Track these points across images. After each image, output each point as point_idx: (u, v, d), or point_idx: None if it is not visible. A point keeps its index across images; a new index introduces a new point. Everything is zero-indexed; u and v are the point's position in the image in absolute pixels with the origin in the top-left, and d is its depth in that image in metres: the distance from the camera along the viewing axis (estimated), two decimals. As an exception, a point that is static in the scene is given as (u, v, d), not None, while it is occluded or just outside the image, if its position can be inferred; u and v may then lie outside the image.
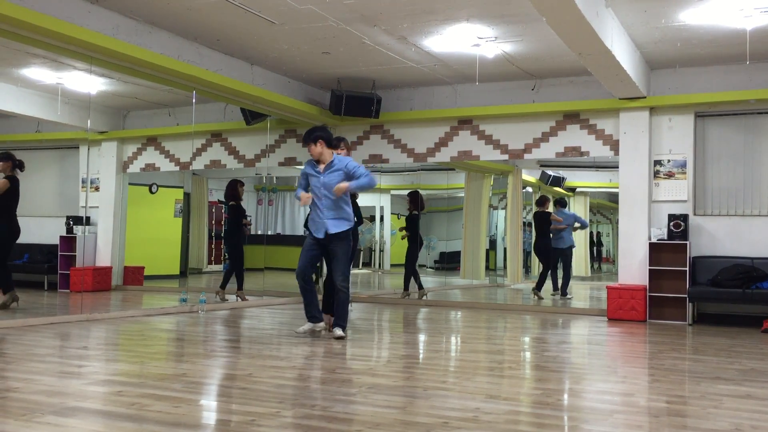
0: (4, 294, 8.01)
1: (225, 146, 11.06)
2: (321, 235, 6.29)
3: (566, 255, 11.06)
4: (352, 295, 9.55)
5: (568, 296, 10.84)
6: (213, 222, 13.64)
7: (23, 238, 8.25)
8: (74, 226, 11.00)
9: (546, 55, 8.17)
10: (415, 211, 10.52)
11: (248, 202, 10.45)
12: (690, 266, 8.24)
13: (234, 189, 9.74)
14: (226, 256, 9.97)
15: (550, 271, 10.98)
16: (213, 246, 13.63)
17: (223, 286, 9.66)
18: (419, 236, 10.54)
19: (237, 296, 9.58)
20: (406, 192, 11.28)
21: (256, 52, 8.28)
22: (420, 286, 10.55)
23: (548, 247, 10.97)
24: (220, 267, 13.78)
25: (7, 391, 4.07)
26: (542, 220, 11.05)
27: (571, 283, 11.18)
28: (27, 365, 4.99)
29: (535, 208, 11.54)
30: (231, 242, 9.75)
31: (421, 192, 10.85)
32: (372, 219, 14.16)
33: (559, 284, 10.96)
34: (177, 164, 11.43)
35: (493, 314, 8.86)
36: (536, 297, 10.61)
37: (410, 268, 10.59)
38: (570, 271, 11.06)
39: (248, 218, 9.89)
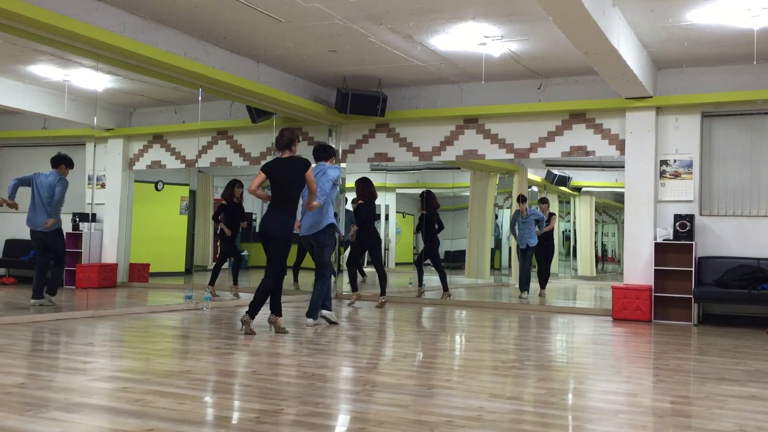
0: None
1: (231, 144, 11.08)
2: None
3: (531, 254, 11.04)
4: (358, 293, 9.63)
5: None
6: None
7: (28, 235, 8.26)
8: (80, 223, 11.02)
9: (552, 54, 8.15)
10: (423, 211, 10.55)
11: (252, 201, 10.46)
12: (695, 267, 8.22)
13: (226, 189, 10.02)
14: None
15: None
16: (218, 243, 13.64)
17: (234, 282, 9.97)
18: (431, 235, 10.45)
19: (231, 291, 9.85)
20: (412, 191, 11.28)
21: (262, 50, 8.28)
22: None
23: (551, 247, 11.00)
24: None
25: (13, 386, 4.08)
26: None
27: (574, 282, 11.17)
28: (32, 361, 5.02)
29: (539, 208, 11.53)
30: (222, 240, 10.15)
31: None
32: (377, 218, 14.16)
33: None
34: (183, 162, 11.45)
35: (497, 313, 8.86)
36: (540, 295, 10.64)
37: (437, 267, 10.34)
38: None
39: (246, 221, 9.98)
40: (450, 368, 5.23)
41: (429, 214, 10.45)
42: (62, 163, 8.37)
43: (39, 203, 8.19)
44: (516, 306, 9.72)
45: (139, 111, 11.65)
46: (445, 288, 10.07)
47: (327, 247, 7.08)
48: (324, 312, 7.13)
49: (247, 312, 6.38)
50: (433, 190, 11.03)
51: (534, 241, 10.79)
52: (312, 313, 7.05)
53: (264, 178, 6.54)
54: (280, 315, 6.58)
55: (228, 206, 9.88)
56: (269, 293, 6.47)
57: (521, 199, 11.12)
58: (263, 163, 10.80)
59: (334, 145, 10.48)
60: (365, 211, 9.10)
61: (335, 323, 7.17)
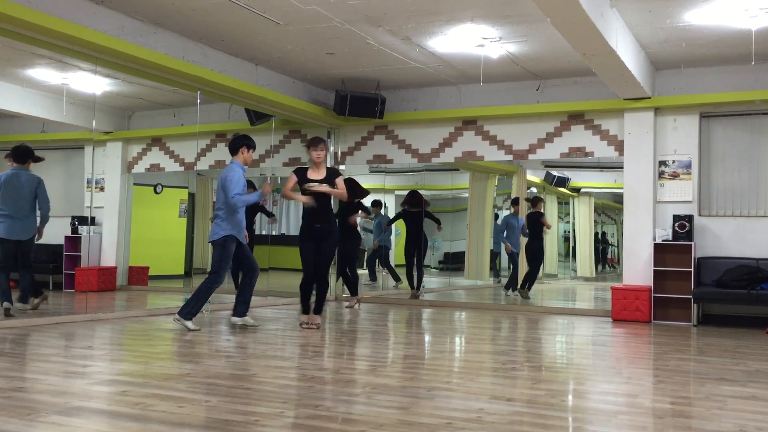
0: (36, 297, 7.81)
1: (230, 146, 11.07)
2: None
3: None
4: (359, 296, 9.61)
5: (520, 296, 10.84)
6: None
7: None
8: (79, 227, 11.03)
9: (550, 55, 8.16)
10: (408, 207, 10.57)
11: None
12: (695, 267, 8.22)
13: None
14: None
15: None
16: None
17: None
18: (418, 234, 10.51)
19: None
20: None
21: (260, 52, 8.29)
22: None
23: (541, 250, 10.90)
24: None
25: (12, 390, 4.08)
26: (535, 221, 10.78)
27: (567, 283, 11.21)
28: (32, 365, 5.01)
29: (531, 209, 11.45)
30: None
31: (426, 192, 10.83)
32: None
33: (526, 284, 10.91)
34: (182, 164, 11.46)
35: (497, 315, 8.86)
36: (522, 296, 10.54)
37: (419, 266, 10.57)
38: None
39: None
40: (450, 370, 5.23)
41: (416, 213, 10.42)
42: (30, 157, 7.66)
43: (21, 209, 7.51)
44: (516, 307, 9.71)
45: (138, 114, 11.66)
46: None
47: (216, 252, 6.89)
48: (185, 323, 6.78)
49: (314, 313, 6.97)
50: (433, 192, 11.04)
51: (517, 248, 10.92)
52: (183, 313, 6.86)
53: None
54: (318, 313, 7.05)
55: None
56: (324, 291, 7.06)
57: (516, 201, 11.11)
58: (261, 165, 10.91)
59: (333, 146, 10.49)
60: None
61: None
